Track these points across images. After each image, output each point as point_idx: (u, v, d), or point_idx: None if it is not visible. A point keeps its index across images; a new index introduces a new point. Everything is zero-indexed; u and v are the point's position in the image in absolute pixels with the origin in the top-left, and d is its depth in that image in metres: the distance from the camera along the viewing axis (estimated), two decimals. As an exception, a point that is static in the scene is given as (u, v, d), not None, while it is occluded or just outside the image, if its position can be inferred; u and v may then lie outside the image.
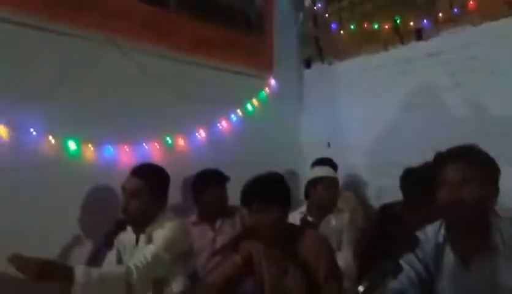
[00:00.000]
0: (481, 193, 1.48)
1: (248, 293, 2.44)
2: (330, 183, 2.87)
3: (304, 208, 2.95)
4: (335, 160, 3.48)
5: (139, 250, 2.11)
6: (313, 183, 2.88)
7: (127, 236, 2.24)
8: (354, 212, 2.97)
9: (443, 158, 1.58)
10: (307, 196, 2.95)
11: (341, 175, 3.56)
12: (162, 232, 2.09)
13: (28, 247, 1.70)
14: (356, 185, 3.80)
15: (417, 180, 2.76)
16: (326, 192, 2.85)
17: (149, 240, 2.14)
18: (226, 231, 2.76)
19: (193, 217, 2.91)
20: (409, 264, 1.59)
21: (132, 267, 1.90)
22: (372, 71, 3.76)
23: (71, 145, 2.55)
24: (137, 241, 2.22)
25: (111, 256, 2.24)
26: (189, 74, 3.19)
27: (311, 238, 2.10)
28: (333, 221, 2.83)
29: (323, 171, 2.95)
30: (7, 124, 2.28)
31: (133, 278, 1.86)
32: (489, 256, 1.49)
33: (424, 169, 2.73)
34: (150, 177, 2.18)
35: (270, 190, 2.04)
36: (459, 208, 1.47)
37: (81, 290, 1.69)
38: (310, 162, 3.43)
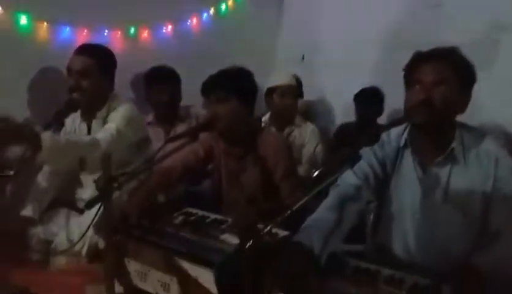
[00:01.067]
0: (452, 97, 1.42)
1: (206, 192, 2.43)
2: (285, 91, 2.77)
3: (266, 117, 2.88)
4: (309, 76, 3.39)
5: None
6: (269, 93, 2.78)
7: (75, 125, 2.14)
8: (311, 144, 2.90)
9: (420, 57, 1.49)
10: (268, 106, 2.87)
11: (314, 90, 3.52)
12: (118, 113, 2.01)
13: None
14: (327, 101, 3.76)
15: (368, 99, 2.98)
16: (280, 100, 2.76)
17: (104, 124, 2.04)
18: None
19: (150, 117, 2.76)
20: (367, 162, 1.57)
21: (99, 139, 1.84)
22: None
23: (23, 20, 2.33)
24: (89, 129, 2.12)
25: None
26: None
27: (272, 137, 2.07)
28: (294, 134, 2.79)
29: (278, 79, 2.83)
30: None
31: (99, 149, 1.80)
32: (447, 163, 1.47)
33: (375, 90, 2.98)
34: (99, 55, 2.05)
35: (230, 79, 1.94)
36: (426, 109, 1.40)
37: (48, 154, 1.68)
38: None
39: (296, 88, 2.88)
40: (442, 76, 1.41)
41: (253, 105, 2.06)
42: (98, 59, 2.03)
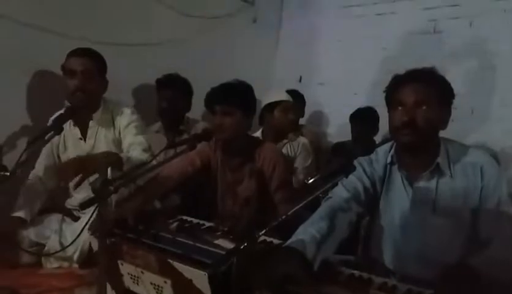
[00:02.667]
0: (433, 115, 1.47)
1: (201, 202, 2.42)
2: (287, 106, 2.79)
3: (258, 133, 2.90)
4: (305, 96, 3.46)
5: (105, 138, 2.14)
6: (269, 107, 2.79)
7: (65, 130, 2.10)
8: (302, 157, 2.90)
9: (399, 80, 1.54)
10: (262, 122, 2.87)
11: (309, 111, 3.59)
12: (133, 123, 2.12)
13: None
14: (319, 123, 3.84)
15: (364, 119, 3.07)
16: (284, 115, 2.78)
17: (106, 124, 2.14)
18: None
19: (156, 126, 2.79)
20: (357, 177, 1.60)
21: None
22: (353, 9, 3.67)
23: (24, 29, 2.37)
24: (82, 133, 2.16)
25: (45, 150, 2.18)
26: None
27: (268, 149, 2.09)
28: (287, 147, 2.82)
29: (280, 95, 2.85)
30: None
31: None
32: (433, 177, 1.51)
33: (370, 110, 3.06)
34: (98, 58, 2.10)
35: (235, 93, 1.99)
36: (409, 130, 1.45)
37: None
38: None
39: (296, 105, 2.94)
40: (423, 97, 1.45)
41: (252, 119, 2.10)
42: (97, 61, 2.09)
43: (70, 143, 2.18)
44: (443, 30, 3.26)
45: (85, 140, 2.16)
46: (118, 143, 2.16)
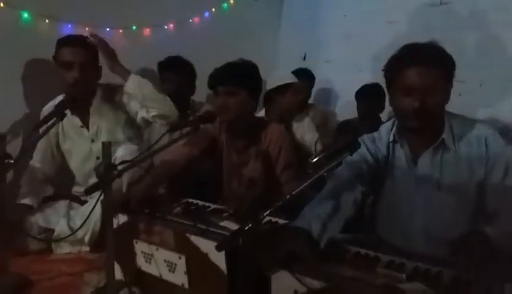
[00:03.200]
0: (443, 96, 1.43)
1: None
2: (299, 88, 2.77)
3: (262, 113, 2.86)
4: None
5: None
6: (281, 89, 2.72)
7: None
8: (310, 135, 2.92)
9: (402, 60, 1.45)
10: (266, 103, 2.79)
11: (314, 89, 3.54)
12: (142, 85, 2.12)
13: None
14: (327, 100, 3.78)
15: (370, 96, 3.02)
16: (295, 97, 2.73)
17: (106, 108, 2.15)
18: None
19: None
20: (361, 156, 1.56)
21: None
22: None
23: (24, 16, 2.37)
24: (82, 121, 2.15)
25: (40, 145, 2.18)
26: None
27: (274, 130, 2.05)
28: (294, 127, 2.81)
29: (290, 77, 2.81)
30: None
31: None
32: (437, 153, 1.48)
33: (376, 86, 2.92)
34: (91, 45, 2.05)
35: (240, 73, 1.95)
36: (421, 116, 1.40)
37: None
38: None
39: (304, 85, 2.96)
40: (430, 82, 1.39)
41: (258, 99, 2.07)
42: (92, 48, 2.05)
43: (71, 132, 2.18)
44: (450, 1, 3.16)
45: (87, 128, 2.16)
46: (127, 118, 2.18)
